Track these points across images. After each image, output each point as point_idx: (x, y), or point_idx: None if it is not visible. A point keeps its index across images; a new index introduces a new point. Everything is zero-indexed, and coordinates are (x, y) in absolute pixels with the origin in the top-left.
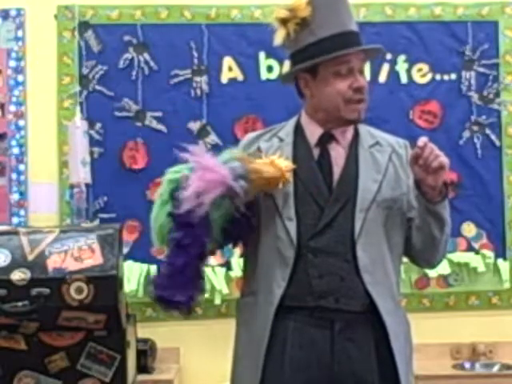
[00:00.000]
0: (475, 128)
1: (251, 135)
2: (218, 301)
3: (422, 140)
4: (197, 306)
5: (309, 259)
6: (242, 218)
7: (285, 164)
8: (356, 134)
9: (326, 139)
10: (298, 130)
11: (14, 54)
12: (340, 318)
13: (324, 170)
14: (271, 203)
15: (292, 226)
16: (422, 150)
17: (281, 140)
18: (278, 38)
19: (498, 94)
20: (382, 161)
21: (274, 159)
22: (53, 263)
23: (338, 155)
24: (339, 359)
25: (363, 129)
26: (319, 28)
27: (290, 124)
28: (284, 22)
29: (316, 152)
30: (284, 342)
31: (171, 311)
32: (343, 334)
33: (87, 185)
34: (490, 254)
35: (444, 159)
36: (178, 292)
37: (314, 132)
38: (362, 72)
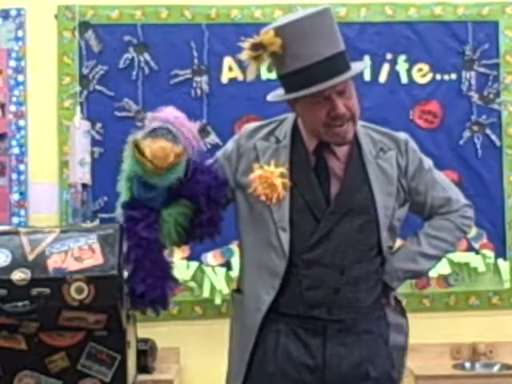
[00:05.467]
0: (475, 128)
1: (248, 128)
2: (218, 301)
3: None
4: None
5: (301, 270)
6: (203, 220)
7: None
8: (356, 142)
9: (323, 148)
10: (296, 131)
11: (14, 54)
12: (333, 326)
13: (321, 179)
14: (265, 207)
15: (285, 237)
16: None
17: (278, 141)
18: (251, 73)
19: (498, 94)
20: (391, 171)
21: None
22: (53, 263)
23: (335, 166)
24: (330, 364)
25: (362, 133)
26: (292, 59)
27: (288, 122)
28: (255, 58)
29: (313, 159)
30: (276, 344)
31: (145, 307)
32: (336, 340)
33: (85, 185)
34: (490, 253)
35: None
36: (139, 284)
37: (310, 139)
38: (342, 93)
